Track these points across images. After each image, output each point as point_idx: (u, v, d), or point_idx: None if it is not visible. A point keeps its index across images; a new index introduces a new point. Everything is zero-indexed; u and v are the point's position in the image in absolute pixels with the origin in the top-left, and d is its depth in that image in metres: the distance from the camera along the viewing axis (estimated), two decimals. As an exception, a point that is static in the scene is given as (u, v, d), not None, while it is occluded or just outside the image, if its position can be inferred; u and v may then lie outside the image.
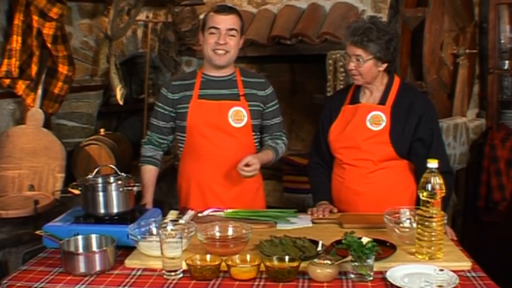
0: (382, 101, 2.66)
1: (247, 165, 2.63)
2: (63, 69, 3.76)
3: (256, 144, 2.87)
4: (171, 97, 2.78)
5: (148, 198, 2.76)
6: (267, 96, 2.84)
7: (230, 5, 2.80)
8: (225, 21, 2.68)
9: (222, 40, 2.67)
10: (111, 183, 2.34)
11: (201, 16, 4.48)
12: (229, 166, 2.75)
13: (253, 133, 2.83)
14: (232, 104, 2.75)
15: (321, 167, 2.86)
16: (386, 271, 1.92)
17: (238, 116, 2.74)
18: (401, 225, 2.23)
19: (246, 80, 2.81)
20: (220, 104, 2.74)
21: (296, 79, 4.51)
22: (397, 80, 2.71)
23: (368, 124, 2.64)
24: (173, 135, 2.90)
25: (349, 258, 1.93)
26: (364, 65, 2.57)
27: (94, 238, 2.17)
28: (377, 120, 2.63)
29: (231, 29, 2.69)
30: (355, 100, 2.73)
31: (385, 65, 2.62)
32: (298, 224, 2.51)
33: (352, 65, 2.59)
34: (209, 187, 2.79)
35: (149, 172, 2.82)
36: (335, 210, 2.66)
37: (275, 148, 2.85)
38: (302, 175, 3.89)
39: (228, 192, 2.79)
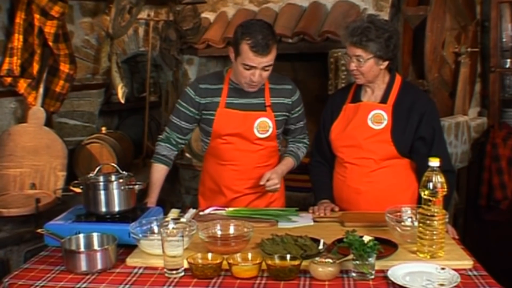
0: (384, 100, 2.65)
1: (267, 180, 2.65)
2: (64, 67, 3.76)
3: (279, 144, 2.87)
4: (199, 100, 2.73)
5: (153, 198, 2.74)
6: (293, 104, 2.80)
7: (268, 37, 2.53)
8: (262, 62, 2.54)
9: (258, 77, 2.58)
10: (113, 181, 2.34)
11: (203, 15, 4.50)
12: (251, 170, 2.76)
13: (278, 139, 2.83)
14: (258, 115, 2.72)
15: (323, 165, 2.86)
16: (387, 270, 1.92)
17: (264, 127, 2.72)
18: (402, 223, 2.23)
19: (273, 88, 2.76)
20: (246, 115, 2.71)
21: (298, 77, 4.50)
22: (398, 79, 2.70)
23: (369, 122, 2.64)
24: (191, 133, 2.86)
25: (351, 256, 1.93)
26: (365, 65, 2.56)
27: (95, 236, 2.17)
28: (379, 118, 2.63)
29: (268, 66, 2.58)
30: (356, 99, 2.72)
31: (386, 63, 2.61)
32: (300, 222, 2.51)
33: (353, 66, 2.59)
34: (232, 189, 2.80)
35: (160, 172, 2.77)
36: (337, 208, 2.66)
37: (296, 154, 2.86)
38: (303, 174, 3.87)
39: (251, 196, 2.81)
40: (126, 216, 2.32)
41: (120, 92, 4.23)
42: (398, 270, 1.92)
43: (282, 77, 2.85)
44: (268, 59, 2.55)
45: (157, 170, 2.78)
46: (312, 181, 2.92)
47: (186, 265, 1.99)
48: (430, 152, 2.47)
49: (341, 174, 2.76)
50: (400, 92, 2.66)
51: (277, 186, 2.69)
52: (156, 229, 2.24)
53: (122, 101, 4.30)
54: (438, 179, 2.05)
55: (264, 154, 2.79)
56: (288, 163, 2.82)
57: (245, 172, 2.77)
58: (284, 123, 2.83)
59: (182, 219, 2.37)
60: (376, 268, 1.93)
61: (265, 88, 2.75)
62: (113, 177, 2.37)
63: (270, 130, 2.74)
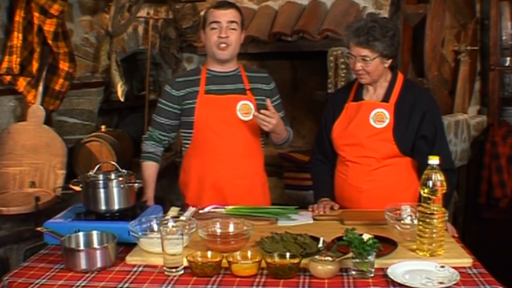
0: (386, 98, 2.65)
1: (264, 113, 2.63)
2: (64, 65, 3.76)
3: (262, 139, 2.89)
4: (176, 94, 2.78)
5: (150, 194, 2.76)
6: (272, 91, 2.88)
7: (229, 1, 2.83)
8: (225, 15, 2.71)
9: (224, 33, 2.70)
10: (112, 179, 2.34)
11: (202, 13, 4.51)
12: (237, 160, 2.78)
13: (260, 128, 2.83)
14: (239, 98, 2.77)
15: (324, 164, 2.86)
16: (387, 268, 1.92)
17: (246, 109, 2.76)
18: (402, 221, 2.23)
19: (250, 75, 2.84)
20: (227, 98, 2.76)
21: (297, 75, 4.50)
22: (400, 77, 2.69)
23: (371, 121, 2.64)
24: (176, 133, 2.90)
25: (350, 254, 1.93)
26: (371, 64, 2.56)
27: (95, 234, 2.17)
28: (381, 117, 2.63)
29: (232, 22, 2.71)
30: (358, 97, 2.72)
31: (390, 61, 2.61)
32: (299, 220, 2.51)
33: (359, 66, 2.58)
34: (218, 182, 2.80)
35: (150, 168, 2.82)
36: (336, 206, 2.66)
37: (287, 130, 2.90)
38: (303, 172, 3.89)
39: (237, 188, 2.81)
40: (125, 214, 2.32)
41: (120, 90, 4.23)
42: (397, 268, 1.92)
43: (257, 68, 2.97)
44: (231, 14, 2.72)
45: (148, 167, 2.83)
46: (313, 179, 2.92)
47: (185, 263, 1.99)
48: (432, 151, 2.46)
49: (342, 173, 2.76)
50: (402, 90, 2.65)
51: (271, 120, 2.62)
52: (155, 227, 2.24)
53: (122, 99, 4.30)
54: (438, 177, 2.05)
55: (248, 143, 2.80)
56: (284, 129, 2.83)
57: (231, 162, 2.78)
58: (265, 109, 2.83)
59: (182, 217, 2.37)
60: (376, 266, 1.93)
61: (242, 75, 2.83)
62: (112, 175, 2.37)
63: (253, 112, 2.75)
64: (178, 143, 2.92)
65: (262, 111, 2.64)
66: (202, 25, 2.81)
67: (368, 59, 2.55)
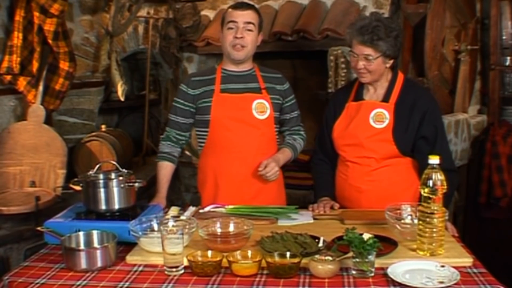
0: (386, 98, 2.64)
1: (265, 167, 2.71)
2: (64, 65, 3.77)
3: (277, 136, 2.91)
4: (192, 92, 2.79)
5: (162, 194, 2.78)
6: (286, 91, 2.91)
7: (248, 2, 2.85)
8: (243, 16, 2.72)
9: (240, 34, 2.71)
10: (112, 179, 2.34)
11: (203, 12, 4.51)
12: (253, 158, 2.78)
13: (275, 125, 2.87)
14: (255, 97, 2.79)
15: (325, 163, 2.86)
16: (387, 267, 1.92)
17: (262, 108, 2.79)
18: (402, 221, 2.23)
19: (265, 75, 2.86)
20: (243, 97, 2.78)
21: (298, 75, 4.50)
22: (400, 77, 2.69)
23: (371, 121, 2.63)
24: (191, 132, 2.91)
25: (350, 254, 1.93)
26: (373, 64, 2.56)
27: (95, 234, 2.17)
28: (380, 117, 2.62)
29: (248, 23, 2.72)
30: (358, 97, 2.72)
31: (391, 61, 2.61)
32: (299, 220, 2.51)
33: (361, 64, 2.57)
34: (234, 180, 2.80)
35: (165, 168, 2.82)
36: (336, 206, 2.66)
37: (292, 145, 2.91)
38: (303, 171, 3.88)
39: (253, 185, 2.81)
40: (126, 214, 2.32)
41: (120, 89, 4.23)
42: (397, 268, 1.92)
43: (271, 69, 2.96)
44: (248, 15, 2.73)
45: (162, 167, 2.83)
46: (314, 178, 2.92)
47: (186, 263, 1.99)
48: (432, 151, 2.45)
49: (343, 173, 2.76)
50: (402, 90, 2.65)
51: (276, 173, 2.74)
52: (156, 226, 2.24)
53: (122, 98, 4.30)
54: (438, 177, 2.05)
55: (263, 140, 2.81)
56: (285, 152, 2.87)
57: (247, 160, 2.78)
58: (280, 108, 2.88)
59: (182, 217, 2.38)
60: (376, 265, 1.93)
61: (257, 74, 2.84)
62: (112, 175, 2.37)
63: (268, 111, 2.79)
64: (196, 143, 2.92)
65: (259, 173, 2.71)
66: (221, 24, 2.82)
67: (370, 58, 2.55)
